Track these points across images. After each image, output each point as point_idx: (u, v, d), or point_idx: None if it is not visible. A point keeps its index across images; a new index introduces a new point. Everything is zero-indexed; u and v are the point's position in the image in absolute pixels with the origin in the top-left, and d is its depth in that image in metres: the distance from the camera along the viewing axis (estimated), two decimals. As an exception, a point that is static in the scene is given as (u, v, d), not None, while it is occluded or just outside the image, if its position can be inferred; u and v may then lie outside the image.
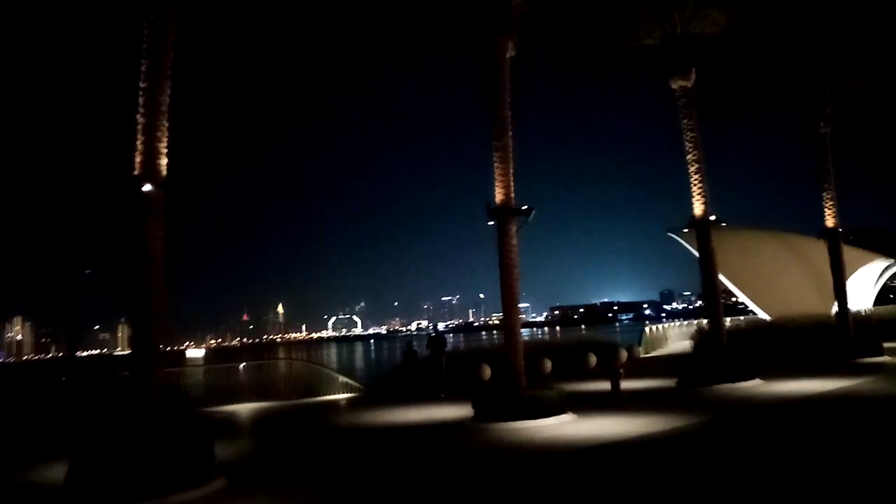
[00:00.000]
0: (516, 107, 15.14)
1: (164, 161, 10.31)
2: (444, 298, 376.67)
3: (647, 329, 37.49)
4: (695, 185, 19.04)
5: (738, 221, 42.21)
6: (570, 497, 8.14)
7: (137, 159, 10.18)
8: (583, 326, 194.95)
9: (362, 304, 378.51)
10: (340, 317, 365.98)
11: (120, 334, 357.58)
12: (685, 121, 18.98)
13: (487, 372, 22.52)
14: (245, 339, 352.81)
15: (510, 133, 14.84)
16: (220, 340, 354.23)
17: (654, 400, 16.44)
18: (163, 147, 10.32)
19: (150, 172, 10.14)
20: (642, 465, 9.56)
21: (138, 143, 10.22)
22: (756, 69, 21.56)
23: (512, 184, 14.73)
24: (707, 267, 19.05)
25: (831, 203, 23.17)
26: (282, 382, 22.89)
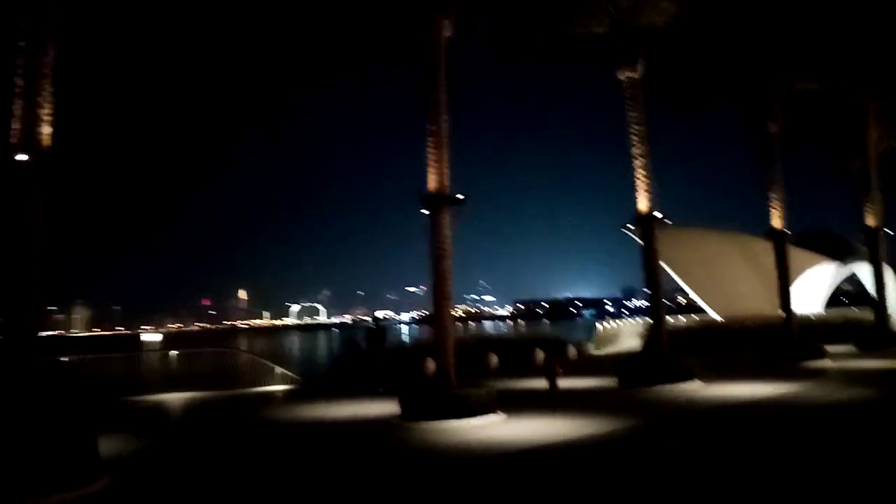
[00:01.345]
0: (454, 91, 14.48)
1: (46, 130, 9.36)
2: (409, 289, 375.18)
3: (599, 326, 37.22)
4: (640, 179, 18.55)
5: (691, 220, 42.37)
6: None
7: (14, 126, 9.21)
8: (546, 321, 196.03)
9: (326, 292, 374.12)
10: (304, 304, 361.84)
11: (76, 315, 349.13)
12: (631, 113, 18.47)
13: (432, 366, 21.90)
14: (206, 325, 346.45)
15: (445, 117, 14.15)
16: (180, 325, 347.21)
17: (589, 400, 15.94)
18: (45, 114, 9.36)
19: (29, 141, 9.18)
20: (555, 473, 8.98)
21: (16, 108, 9.25)
22: (705, 63, 21.15)
23: (447, 171, 14.04)
24: (650, 265, 18.63)
25: (778, 203, 23.00)
26: (218, 372, 21.93)
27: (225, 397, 19.31)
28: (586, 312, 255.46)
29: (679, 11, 17.94)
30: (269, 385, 21.50)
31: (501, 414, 13.40)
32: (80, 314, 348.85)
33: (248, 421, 14.98)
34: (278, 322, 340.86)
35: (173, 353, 22.43)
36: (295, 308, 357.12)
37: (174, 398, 19.27)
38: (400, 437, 12.01)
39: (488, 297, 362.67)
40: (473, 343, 26.80)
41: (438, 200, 13.84)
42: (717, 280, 37.87)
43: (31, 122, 9.24)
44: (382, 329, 21.10)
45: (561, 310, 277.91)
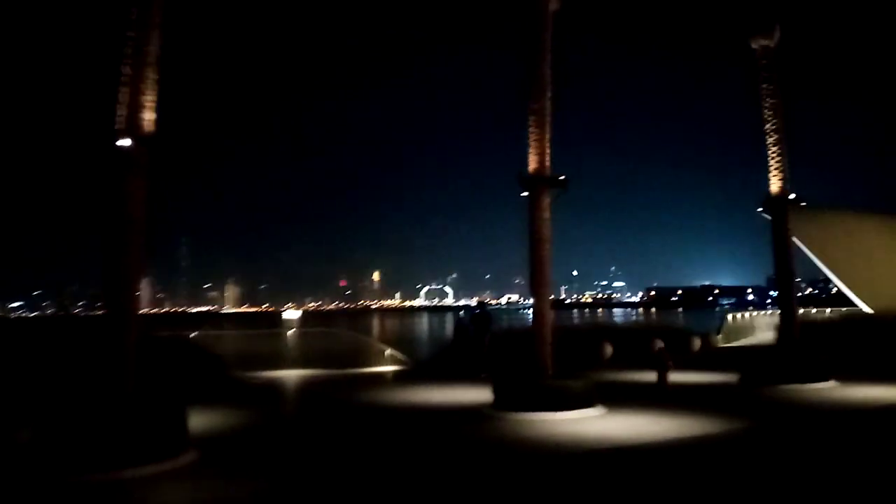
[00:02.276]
0: (558, 68, 13.79)
1: (149, 116, 9.79)
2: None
3: (729, 316, 34.76)
4: (773, 158, 16.86)
5: (839, 203, 38.36)
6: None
7: (120, 113, 9.71)
8: (680, 309, 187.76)
9: (454, 275, 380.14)
10: (433, 287, 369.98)
11: (227, 293, 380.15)
12: (765, 85, 16.78)
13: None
14: (342, 304, 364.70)
15: (549, 95, 13.48)
16: (318, 304, 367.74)
17: (702, 397, 14.77)
18: (148, 101, 9.79)
19: (132, 127, 9.64)
20: (643, 476, 8.26)
21: (122, 95, 9.74)
22: (854, 25, 18.80)
23: (548, 151, 13.40)
24: (781, 251, 16.95)
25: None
26: (333, 352, 22.67)
27: (334, 376, 19.85)
28: (724, 301, 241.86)
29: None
30: (379, 366, 21.93)
31: (601, 408, 12.70)
32: (230, 292, 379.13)
33: (346, 402, 15.23)
34: (408, 303, 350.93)
35: (291, 332, 23.40)
36: (424, 290, 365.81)
37: (288, 375, 20.07)
38: (487, 427, 11.67)
39: (619, 284, 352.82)
40: (588, 331, 25.88)
41: (538, 182, 13.25)
42: (869, 268, 34.09)
43: (136, 109, 9.69)
44: (487, 313, 20.71)
45: (697, 298, 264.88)
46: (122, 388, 9.15)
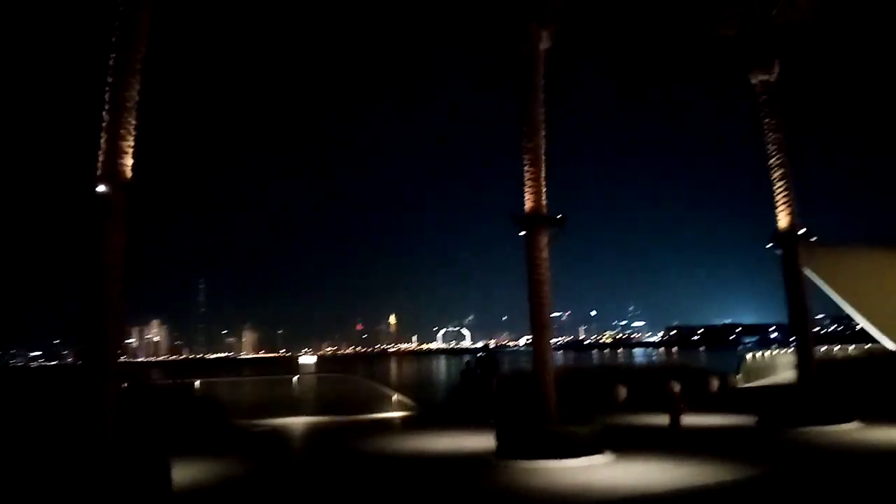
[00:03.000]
0: (552, 105, 13.64)
1: (128, 161, 9.65)
2: (553, 315, 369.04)
3: (749, 355, 33.75)
4: (779, 192, 16.43)
5: (860, 238, 37.51)
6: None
7: (100, 159, 9.57)
8: (702, 348, 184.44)
9: (471, 317, 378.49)
10: (450, 329, 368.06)
11: (244, 339, 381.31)
12: (767, 120, 16.46)
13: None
14: (359, 348, 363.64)
15: (542, 133, 13.26)
16: (335, 348, 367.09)
17: (717, 441, 14.06)
18: (127, 146, 9.66)
19: (111, 173, 9.49)
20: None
21: (102, 141, 9.62)
22: (855, 60, 18.54)
23: (544, 190, 13.12)
24: (794, 288, 16.35)
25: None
26: (340, 398, 22.16)
27: (340, 423, 19.32)
28: (747, 339, 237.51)
29: (820, 5, 15.76)
30: (386, 412, 21.35)
31: (609, 454, 12.08)
32: (248, 337, 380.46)
33: (347, 450, 14.69)
34: (425, 346, 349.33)
35: (296, 378, 22.93)
36: (441, 333, 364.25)
37: (293, 422, 19.54)
38: (487, 477, 11.09)
39: (638, 323, 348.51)
40: (601, 373, 25.15)
41: (534, 221, 12.91)
42: (892, 304, 33.08)
43: (114, 155, 9.55)
44: (494, 356, 20.17)
45: (718, 336, 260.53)
46: (100, 440, 8.78)
